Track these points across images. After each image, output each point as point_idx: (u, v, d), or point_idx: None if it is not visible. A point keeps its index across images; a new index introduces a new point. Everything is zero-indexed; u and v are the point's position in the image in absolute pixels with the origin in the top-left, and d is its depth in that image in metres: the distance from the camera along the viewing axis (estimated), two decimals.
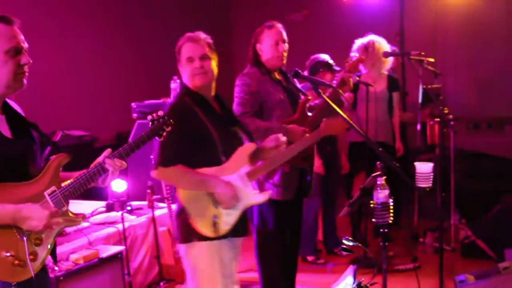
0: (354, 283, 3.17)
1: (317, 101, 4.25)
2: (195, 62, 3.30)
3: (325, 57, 5.85)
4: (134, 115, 5.87)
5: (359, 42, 6.09)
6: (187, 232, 3.21)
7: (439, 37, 9.41)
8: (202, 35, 3.38)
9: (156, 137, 2.64)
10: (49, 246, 2.54)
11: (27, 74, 2.53)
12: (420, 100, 6.00)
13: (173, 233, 3.33)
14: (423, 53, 5.37)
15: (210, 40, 3.39)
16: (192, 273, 3.28)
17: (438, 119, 4.63)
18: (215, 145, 3.23)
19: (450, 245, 6.02)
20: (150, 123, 2.64)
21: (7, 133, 2.53)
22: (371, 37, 6.08)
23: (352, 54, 5.93)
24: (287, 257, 4.30)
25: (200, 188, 3.18)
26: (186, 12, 9.34)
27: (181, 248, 3.32)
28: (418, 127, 6.20)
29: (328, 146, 5.88)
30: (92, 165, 2.56)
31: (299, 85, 4.42)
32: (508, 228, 5.71)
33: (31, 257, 2.45)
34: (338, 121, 3.66)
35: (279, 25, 4.23)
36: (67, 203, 2.57)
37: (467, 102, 9.49)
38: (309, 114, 4.15)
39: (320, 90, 3.50)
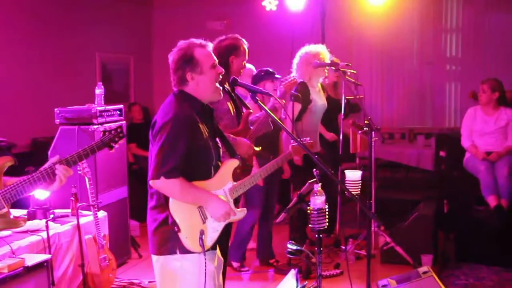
0: (298, 286, 3.21)
1: (258, 114, 4.32)
2: (217, 68, 3.20)
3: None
4: (57, 120, 5.65)
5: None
6: (169, 243, 3.07)
7: (354, 51, 9.70)
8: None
9: (107, 148, 2.63)
10: None
11: None
12: (343, 110, 6.17)
13: (150, 243, 3.17)
14: (350, 64, 5.51)
15: None
16: (171, 285, 3.14)
17: (366, 129, 4.76)
18: (211, 159, 3.14)
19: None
20: (102, 133, 2.64)
21: None
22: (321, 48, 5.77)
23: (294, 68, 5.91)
24: None
25: (196, 202, 3.07)
26: (108, 19, 9.19)
27: (159, 259, 3.15)
28: (341, 136, 6.37)
29: (271, 155, 5.71)
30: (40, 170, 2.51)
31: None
32: (423, 235, 5.96)
33: None
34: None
35: None
36: (8, 205, 2.50)
37: (381, 114, 9.83)
38: (251, 127, 4.21)
39: (257, 98, 3.57)
